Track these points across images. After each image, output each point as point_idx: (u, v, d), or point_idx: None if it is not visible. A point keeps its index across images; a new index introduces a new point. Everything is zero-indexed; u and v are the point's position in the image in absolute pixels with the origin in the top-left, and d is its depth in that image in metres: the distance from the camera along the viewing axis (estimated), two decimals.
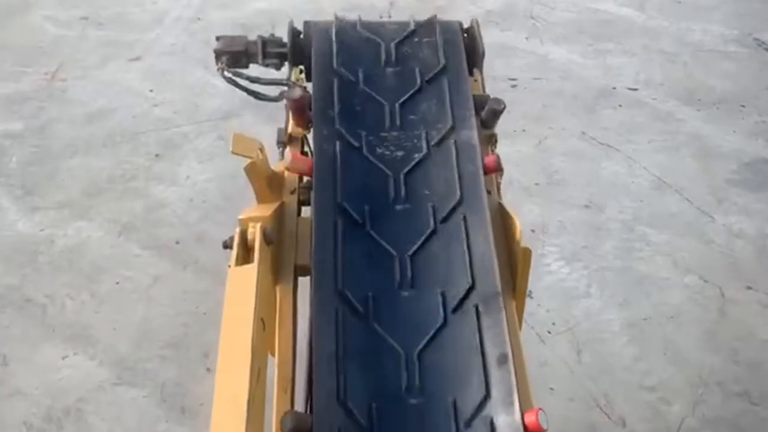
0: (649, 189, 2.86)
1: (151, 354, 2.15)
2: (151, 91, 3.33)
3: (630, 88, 3.47)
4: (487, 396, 0.94)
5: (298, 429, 0.88)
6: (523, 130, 3.13)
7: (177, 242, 2.53)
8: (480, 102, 1.30)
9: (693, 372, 2.16)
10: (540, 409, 0.92)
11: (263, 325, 0.94)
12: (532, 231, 2.61)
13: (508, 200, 2.62)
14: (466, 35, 1.38)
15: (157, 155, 2.94)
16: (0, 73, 3.41)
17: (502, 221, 1.18)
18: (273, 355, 1.07)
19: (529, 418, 0.91)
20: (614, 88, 3.46)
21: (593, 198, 2.80)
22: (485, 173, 1.17)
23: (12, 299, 2.29)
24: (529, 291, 2.38)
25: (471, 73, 1.43)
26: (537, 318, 2.30)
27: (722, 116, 3.29)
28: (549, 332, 2.27)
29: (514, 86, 3.45)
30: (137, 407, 2.01)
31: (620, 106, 3.34)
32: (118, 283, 2.37)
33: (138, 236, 2.55)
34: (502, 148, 3.15)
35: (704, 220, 2.71)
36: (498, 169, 1.20)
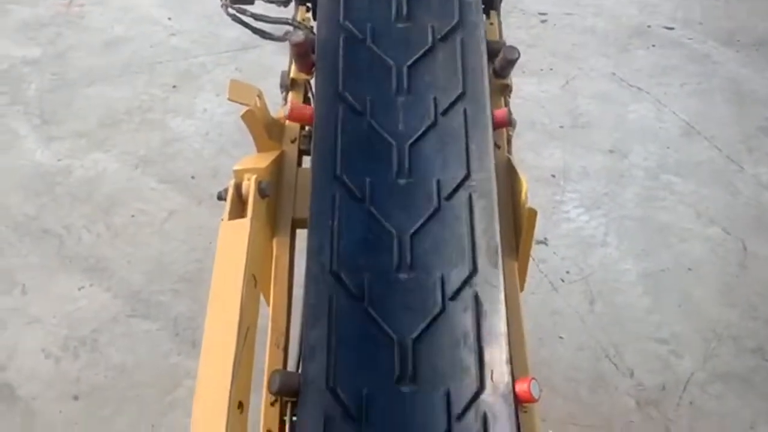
0: (678, 135, 2.75)
1: (165, 288, 2.18)
2: (169, 19, 3.25)
3: (666, 27, 3.30)
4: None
5: (285, 388, 0.87)
6: (551, 69, 3.01)
7: (192, 177, 2.52)
8: (494, 49, 1.23)
9: (707, 326, 2.13)
10: (533, 378, 0.90)
11: (255, 281, 0.93)
12: (553, 176, 2.54)
13: (530, 142, 2.58)
14: None
15: (174, 86, 2.90)
16: None
17: (510, 179, 1.13)
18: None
19: (521, 387, 0.89)
20: (649, 27, 3.29)
21: (618, 143, 2.70)
22: (495, 128, 1.12)
23: (30, 229, 2.32)
24: (545, 238, 2.36)
25: (487, 15, 1.36)
26: (551, 266, 2.27)
27: (761, 59, 3.12)
28: (562, 281, 2.24)
29: (543, 21, 3.30)
30: (150, 339, 2.05)
31: (654, 46, 3.18)
32: (133, 216, 2.38)
33: (154, 169, 2.55)
34: (528, 87, 3.06)
35: (732, 170, 2.61)
36: (509, 123, 1.15)
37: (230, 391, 0.80)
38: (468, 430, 0.88)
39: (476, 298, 0.97)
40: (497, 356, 0.92)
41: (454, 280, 0.99)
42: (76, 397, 1.92)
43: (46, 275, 2.20)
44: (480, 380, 0.91)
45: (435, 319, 0.97)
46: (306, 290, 0.96)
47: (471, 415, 0.89)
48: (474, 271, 0.99)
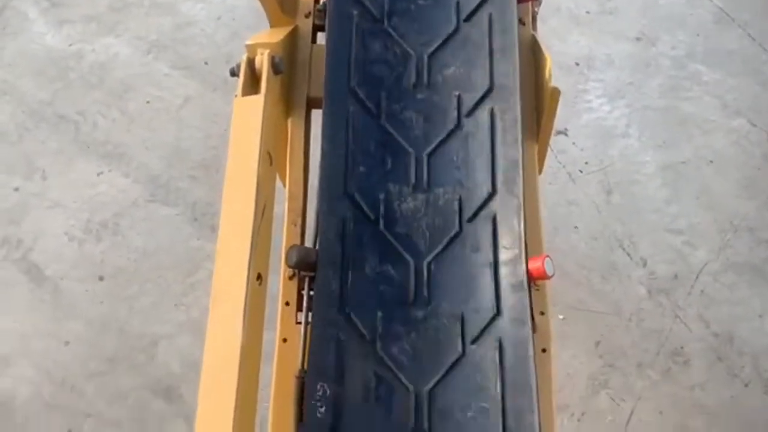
0: (710, 22, 2.62)
1: (183, 174, 2.19)
2: None
3: None
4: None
5: (302, 262, 0.89)
6: None
7: (206, 62, 2.47)
8: None
9: (724, 218, 2.12)
10: (546, 255, 0.91)
11: (270, 159, 0.92)
12: (576, 64, 2.46)
13: (554, 28, 2.47)
14: None
15: None
16: None
17: (534, 57, 1.09)
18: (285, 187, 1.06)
19: (535, 264, 0.90)
20: None
21: (646, 30, 2.59)
22: (519, 1, 1.07)
23: (45, 115, 2.31)
24: (565, 128, 2.31)
25: None
26: (570, 156, 2.24)
27: None
28: (580, 171, 2.22)
29: None
30: (170, 224, 2.09)
31: None
32: (148, 102, 2.36)
33: (167, 55, 2.49)
34: None
35: (764, 59, 2.50)
36: None
37: (249, 263, 0.81)
38: None
39: None
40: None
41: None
42: (101, 278, 1.98)
43: (64, 160, 2.21)
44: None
45: None
46: None
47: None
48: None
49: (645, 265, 2.04)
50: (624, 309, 1.97)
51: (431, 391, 0.90)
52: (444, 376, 0.90)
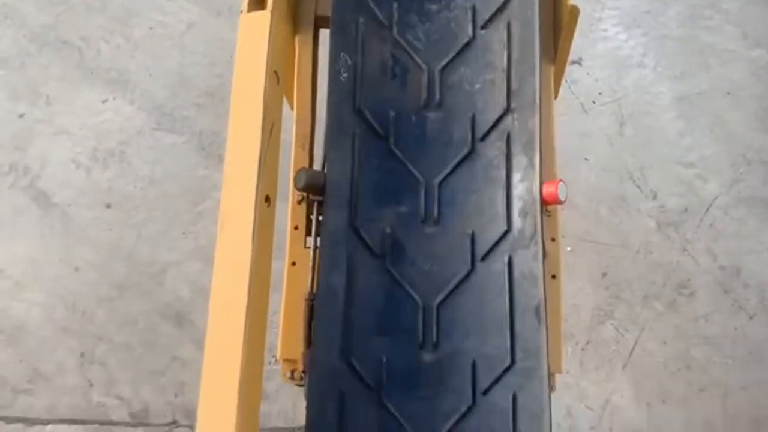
0: None
1: (188, 102, 2.16)
2: None
3: None
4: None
5: (310, 185, 0.87)
6: None
7: None
8: None
9: (738, 150, 2.09)
10: (560, 180, 0.89)
11: (277, 77, 0.89)
12: None
13: None
14: None
15: None
16: None
17: None
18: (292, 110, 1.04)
19: (548, 189, 0.89)
20: None
21: None
22: None
23: (48, 40, 2.26)
24: (579, 58, 2.25)
25: None
26: (583, 86, 2.19)
27: None
28: (594, 102, 2.17)
29: None
30: (177, 153, 2.07)
31: None
32: (151, 28, 2.30)
33: None
34: None
35: None
36: None
37: (257, 184, 0.80)
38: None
39: None
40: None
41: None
42: (108, 205, 1.98)
43: (69, 87, 2.18)
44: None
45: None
46: None
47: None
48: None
49: (655, 197, 2.02)
50: (632, 241, 1.97)
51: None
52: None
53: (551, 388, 0.94)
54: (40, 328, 1.83)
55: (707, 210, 2.01)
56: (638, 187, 2.03)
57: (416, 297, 0.91)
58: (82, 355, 1.81)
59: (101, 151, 2.07)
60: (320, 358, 0.87)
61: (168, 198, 2.00)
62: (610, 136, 2.11)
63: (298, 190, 0.89)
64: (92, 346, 1.82)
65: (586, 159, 2.07)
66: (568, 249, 1.94)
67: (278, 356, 0.98)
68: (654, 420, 1.78)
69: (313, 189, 0.88)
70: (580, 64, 2.24)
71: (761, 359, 1.84)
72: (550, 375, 0.94)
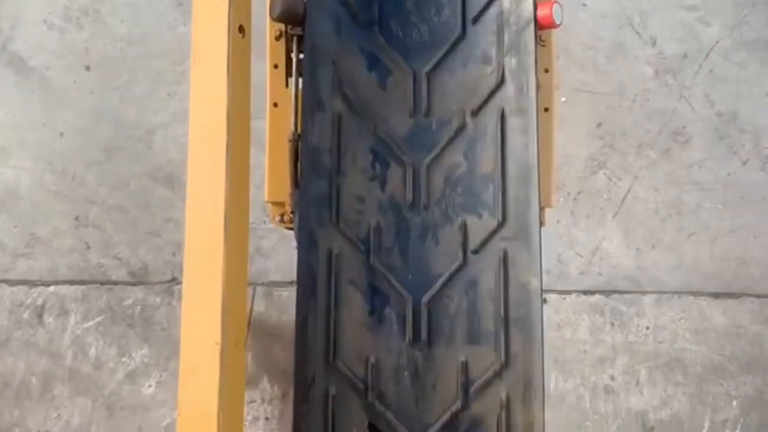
0: None
1: None
2: None
3: None
4: None
5: (288, 13, 0.82)
6: None
7: None
8: None
9: None
10: (555, 1, 0.84)
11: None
12: None
13: None
14: None
15: None
16: None
17: None
18: None
19: (543, 11, 0.84)
20: None
21: None
22: None
23: None
24: None
25: None
26: None
27: None
28: None
29: None
30: (154, 10, 1.97)
31: None
32: None
33: None
34: None
35: None
36: None
37: (229, 12, 0.75)
38: None
39: None
40: None
41: None
42: (87, 68, 1.91)
43: None
44: None
45: None
46: None
47: None
48: None
49: (654, 44, 1.95)
50: (628, 89, 1.92)
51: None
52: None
53: (541, 223, 0.94)
54: (31, 193, 1.83)
55: (707, 55, 1.94)
56: (637, 32, 1.95)
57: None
58: (76, 218, 1.82)
59: (74, 10, 1.96)
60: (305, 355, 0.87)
61: (149, 58, 1.92)
62: None
63: (274, 19, 0.84)
64: (86, 210, 1.82)
65: (584, 5, 1.97)
66: (563, 100, 1.89)
67: (265, 198, 0.97)
68: (642, 264, 1.82)
69: (292, 18, 0.83)
70: None
71: (751, 203, 1.85)
72: (541, 209, 0.93)
